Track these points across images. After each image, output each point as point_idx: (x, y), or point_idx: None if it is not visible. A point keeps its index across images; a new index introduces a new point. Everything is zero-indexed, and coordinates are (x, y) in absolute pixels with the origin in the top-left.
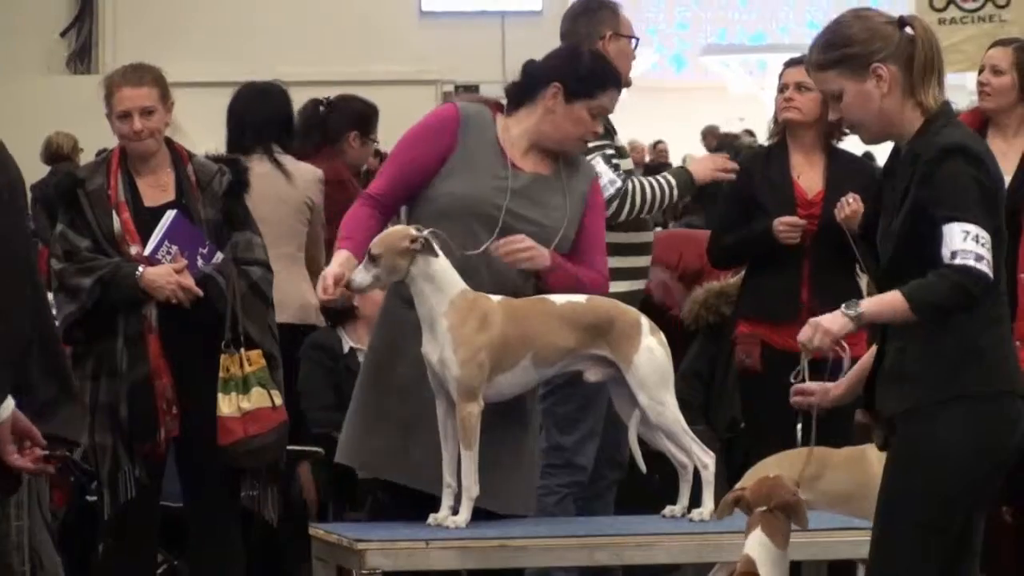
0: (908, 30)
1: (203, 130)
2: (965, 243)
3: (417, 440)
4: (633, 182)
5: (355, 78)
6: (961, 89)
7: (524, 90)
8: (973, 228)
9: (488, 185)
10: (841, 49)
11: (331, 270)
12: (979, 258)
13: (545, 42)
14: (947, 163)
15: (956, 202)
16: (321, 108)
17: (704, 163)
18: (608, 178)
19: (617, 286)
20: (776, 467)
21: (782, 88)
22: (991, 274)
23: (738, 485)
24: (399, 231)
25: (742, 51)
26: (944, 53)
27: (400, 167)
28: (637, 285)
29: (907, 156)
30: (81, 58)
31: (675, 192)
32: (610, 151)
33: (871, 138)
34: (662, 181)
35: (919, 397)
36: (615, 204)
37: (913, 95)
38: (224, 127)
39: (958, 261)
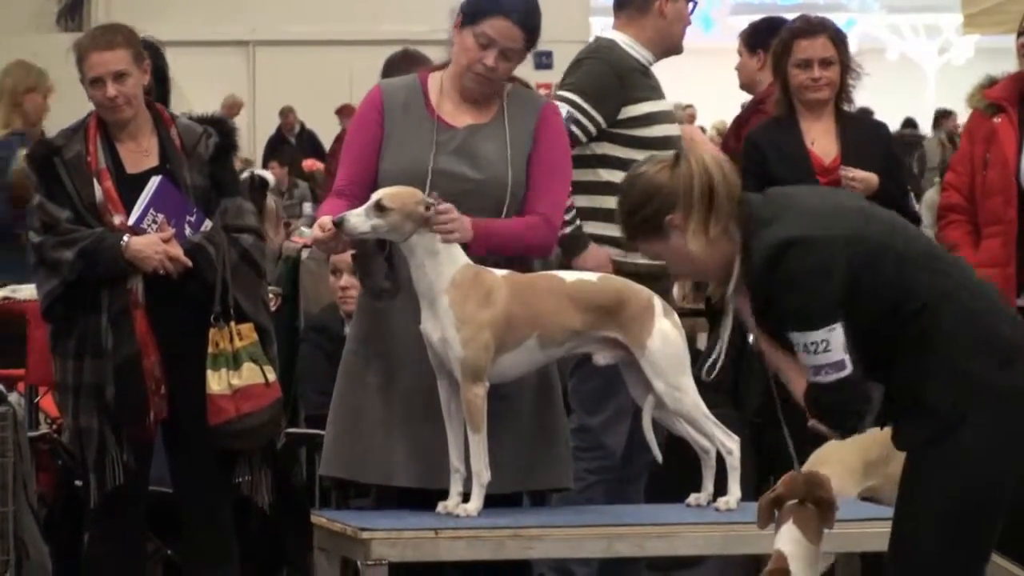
0: (683, 166)
1: (202, 91)
2: (806, 358)
3: (398, 438)
4: None
5: (364, 37)
6: (1008, 52)
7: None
8: (803, 338)
9: (417, 152)
10: (633, 219)
11: (327, 216)
12: (817, 370)
13: None
14: (777, 273)
15: (788, 318)
16: None
17: None
18: None
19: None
20: (839, 450)
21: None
22: (842, 373)
23: (804, 467)
24: (413, 192)
25: (773, 11)
26: (988, 14)
27: (351, 155)
28: None
29: (747, 283)
30: (72, 15)
31: None
32: None
33: (715, 284)
34: None
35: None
36: None
37: (716, 226)
38: (224, 86)
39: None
